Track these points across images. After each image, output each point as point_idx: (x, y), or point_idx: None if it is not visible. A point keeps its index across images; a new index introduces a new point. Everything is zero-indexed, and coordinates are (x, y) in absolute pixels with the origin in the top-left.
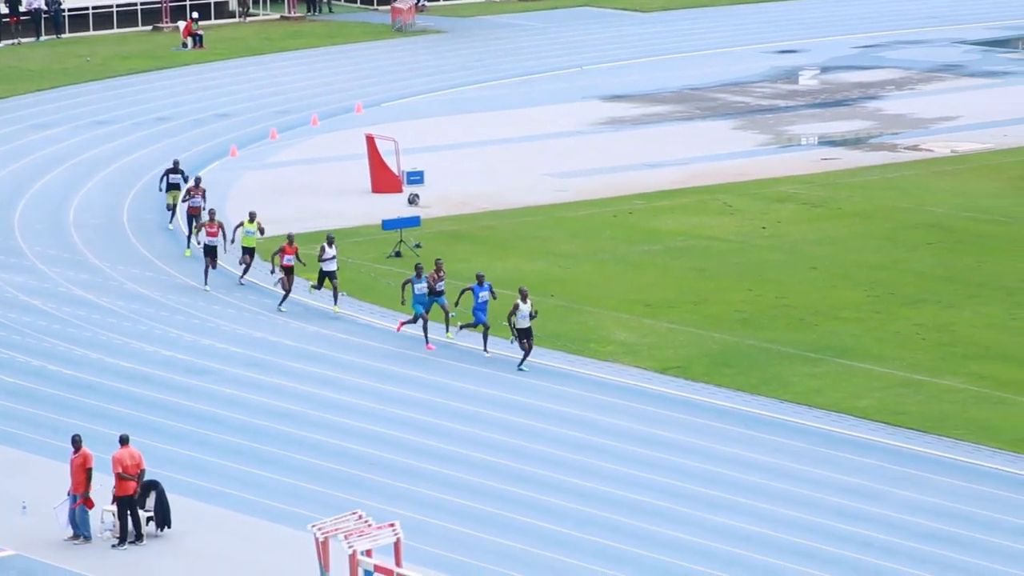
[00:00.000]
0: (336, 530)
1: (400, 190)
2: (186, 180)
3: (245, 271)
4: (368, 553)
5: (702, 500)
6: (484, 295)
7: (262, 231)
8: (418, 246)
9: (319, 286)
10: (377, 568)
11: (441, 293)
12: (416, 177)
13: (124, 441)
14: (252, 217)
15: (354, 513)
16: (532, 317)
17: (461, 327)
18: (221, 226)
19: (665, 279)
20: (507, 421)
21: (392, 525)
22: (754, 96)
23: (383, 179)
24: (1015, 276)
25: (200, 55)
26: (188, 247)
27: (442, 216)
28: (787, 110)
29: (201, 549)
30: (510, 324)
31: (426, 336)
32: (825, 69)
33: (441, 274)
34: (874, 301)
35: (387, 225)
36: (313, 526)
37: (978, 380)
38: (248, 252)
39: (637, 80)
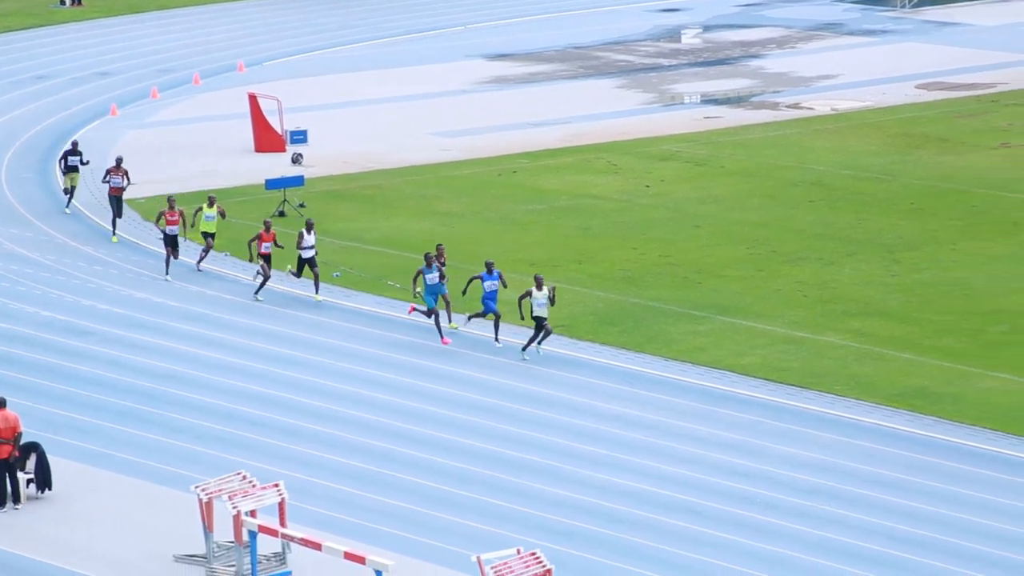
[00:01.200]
0: (220, 491)
1: (283, 149)
2: (84, 163)
3: (203, 256)
4: (252, 514)
5: (587, 458)
6: (493, 283)
7: (223, 215)
8: (302, 206)
9: (299, 273)
10: (261, 528)
11: (442, 280)
12: (299, 136)
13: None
14: (212, 201)
15: (238, 474)
16: (552, 303)
17: (469, 317)
18: (182, 214)
19: (550, 238)
20: (390, 380)
21: (276, 485)
22: (637, 55)
23: (266, 138)
24: (894, 233)
25: (79, 13)
26: (114, 233)
27: (326, 175)
28: (670, 69)
29: (83, 511)
30: (520, 308)
31: (439, 330)
32: (707, 28)
33: (442, 260)
34: (756, 259)
35: (270, 185)
36: (197, 487)
37: (858, 336)
38: (208, 237)
39: (520, 39)
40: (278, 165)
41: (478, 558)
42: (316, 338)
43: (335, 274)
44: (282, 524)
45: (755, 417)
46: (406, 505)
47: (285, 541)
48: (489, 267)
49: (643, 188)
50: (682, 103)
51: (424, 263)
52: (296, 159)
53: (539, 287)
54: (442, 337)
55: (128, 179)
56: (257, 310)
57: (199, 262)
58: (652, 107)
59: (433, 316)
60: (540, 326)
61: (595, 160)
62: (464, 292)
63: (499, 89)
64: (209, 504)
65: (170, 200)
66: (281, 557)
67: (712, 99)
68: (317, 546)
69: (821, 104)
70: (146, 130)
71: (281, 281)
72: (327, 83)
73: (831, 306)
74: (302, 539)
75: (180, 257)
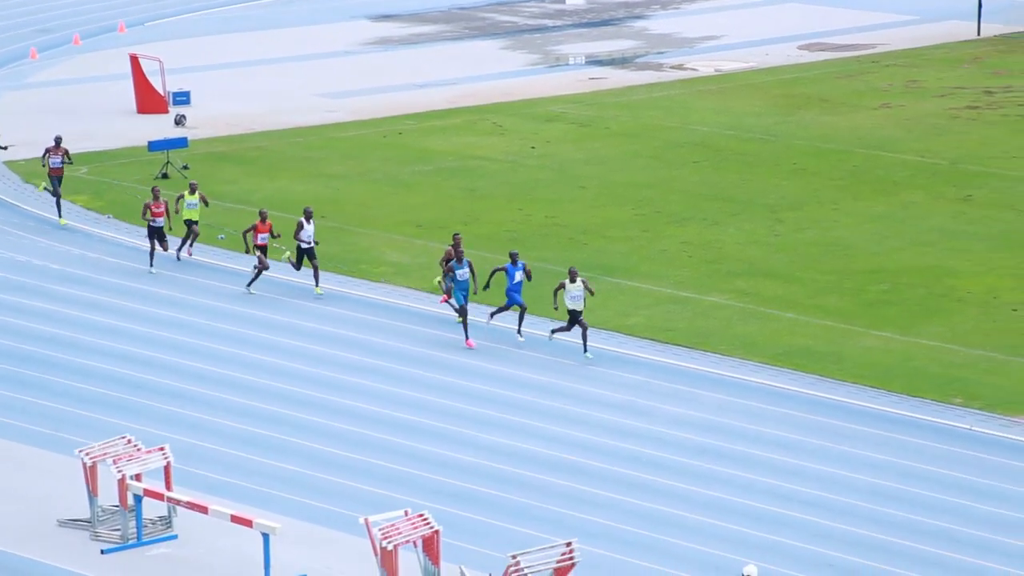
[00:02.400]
0: (104, 455)
1: (166, 111)
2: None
3: (186, 244)
4: (137, 477)
5: (474, 419)
6: (518, 275)
7: (206, 202)
8: (185, 167)
9: (298, 265)
10: (147, 492)
11: (474, 276)
12: (182, 98)
13: None
14: (193, 188)
15: (123, 437)
16: (591, 294)
17: (492, 314)
18: (167, 205)
19: (436, 199)
20: (276, 343)
21: (162, 449)
22: (522, 16)
23: (148, 100)
24: (777, 194)
25: None
26: (60, 215)
27: (210, 137)
28: (555, 30)
29: None
30: (555, 299)
31: (466, 331)
32: None
33: (460, 250)
34: (641, 220)
35: (153, 146)
36: (81, 451)
37: (742, 296)
38: (191, 224)
39: (405, 0)
40: (161, 127)
41: (366, 520)
42: (202, 301)
43: (220, 236)
44: (168, 488)
45: (642, 377)
46: (294, 468)
47: (171, 505)
48: (513, 258)
49: (529, 149)
50: (567, 64)
51: (455, 258)
52: (179, 121)
53: (572, 279)
54: (467, 339)
55: (68, 158)
56: (133, 273)
57: (180, 249)
58: (537, 68)
59: (464, 315)
60: (575, 320)
61: (481, 121)
62: (487, 286)
63: (384, 50)
64: (93, 468)
65: (155, 191)
66: (167, 521)
67: (597, 60)
68: (203, 509)
69: (705, 65)
70: (25, 91)
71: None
72: (210, 44)
73: (716, 266)
74: (188, 503)
75: (169, 249)
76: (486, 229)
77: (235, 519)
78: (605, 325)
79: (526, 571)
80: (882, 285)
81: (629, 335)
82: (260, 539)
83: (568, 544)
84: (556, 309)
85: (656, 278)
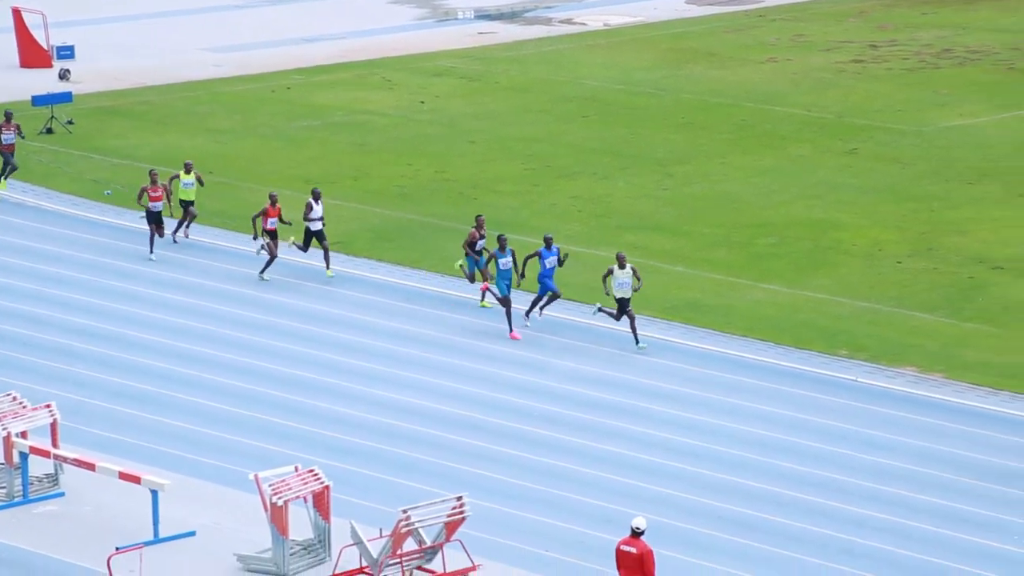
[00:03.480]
0: None
1: (50, 65)
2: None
3: (181, 226)
4: (23, 435)
5: (366, 374)
6: (551, 260)
7: (201, 182)
8: (70, 123)
9: (305, 247)
10: (33, 450)
11: (480, 253)
12: (67, 52)
13: None
14: (188, 168)
15: (8, 394)
16: (639, 283)
17: (541, 310)
18: (165, 188)
19: (325, 154)
20: (165, 299)
21: (48, 406)
22: None
23: (31, 54)
24: (666, 147)
25: None
26: (3, 178)
27: (96, 91)
28: None
29: None
30: (605, 285)
31: (510, 323)
32: None
33: (483, 231)
34: (531, 174)
35: (37, 101)
36: None
37: (632, 250)
38: (188, 205)
39: None
40: (45, 81)
41: (255, 476)
42: (86, 256)
43: (107, 192)
44: (54, 445)
45: (533, 332)
46: (182, 424)
47: (57, 462)
48: (548, 242)
49: (418, 104)
50: (456, 19)
51: (497, 246)
52: (63, 75)
53: (621, 265)
54: (511, 330)
55: (20, 133)
56: (23, 230)
57: (176, 232)
58: (425, 23)
59: (507, 306)
60: (623, 309)
61: (369, 76)
62: (522, 275)
63: (271, 4)
64: None
65: (152, 174)
66: (53, 478)
67: (485, 15)
68: (91, 467)
69: (594, 20)
70: None
71: (66, 204)
72: None
73: (605, 220)
74: (75, 460)
75: (165, 235)
76: (375, 184)
77: (123, 476)
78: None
79: (417, 525)
80: (769, 238)
81: (519, 291)
82: (148, 496)
83: (459, 498)
84: (608, 295)
85: (546, 232)
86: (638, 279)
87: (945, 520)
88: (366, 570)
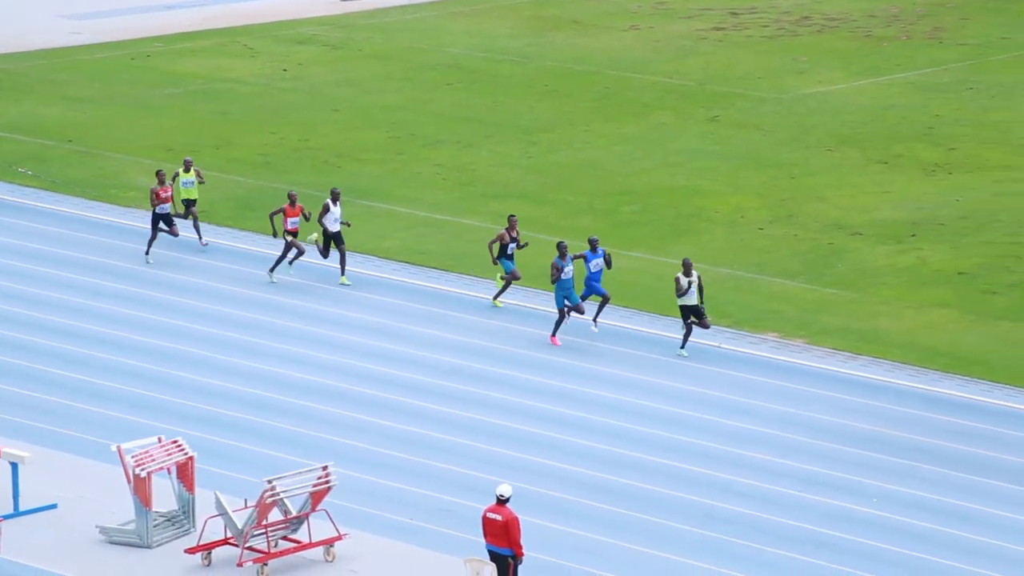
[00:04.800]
0: None
1: None
2: None
3: (195, 226)
4: None
5: (228, 344)
6: (598, 262)
7: (201, 179)
8: None
9: (326, 252)
10: None
11: (511, 256)
12: None
13: None
14: (188, 165)
15: None
16: (701, 292)
17: (595, 320)
18: (173, 191)
19: (186, 123)
20: (27, 270)
21: None
22: None
23: None
24: (530, 115)
25: None
26: None
27: None
28: None
29: None
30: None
31: (555, 329)
32: None
33: (515, 232)
34: (395, 142)
35: None
36: None
37: (497, 218)
38: (190, 204)
39: None
40: None
41: (118, 447)
42: None
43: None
44: None
45: (397, 300)
46: (43, 396)
47: None
48: (593, 244)
49: (280, 72)
50: None
51: (557, 254)
52: None
53: (687, 272)
54: (553, 336)
55: None
56: None
57: (200, 238)
58: None
59: (561, 316)
60: (698, 316)
61: (231, 44)
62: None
63: None
64: None
65: (160, 175)
66: None
67: None
68: None
69: None
70: None
71: None
72: None
73: (470, 188)
74: None
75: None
76: (238, 152)
77: None
78: (360, 248)
79: (282, 495)
80: (633, 206)
81: (384, 258)
82: (8, 468)
83: (324, 468)
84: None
85: (410, 201)
86: (701, 292)
87: (806, 484)
88: (231, 541)
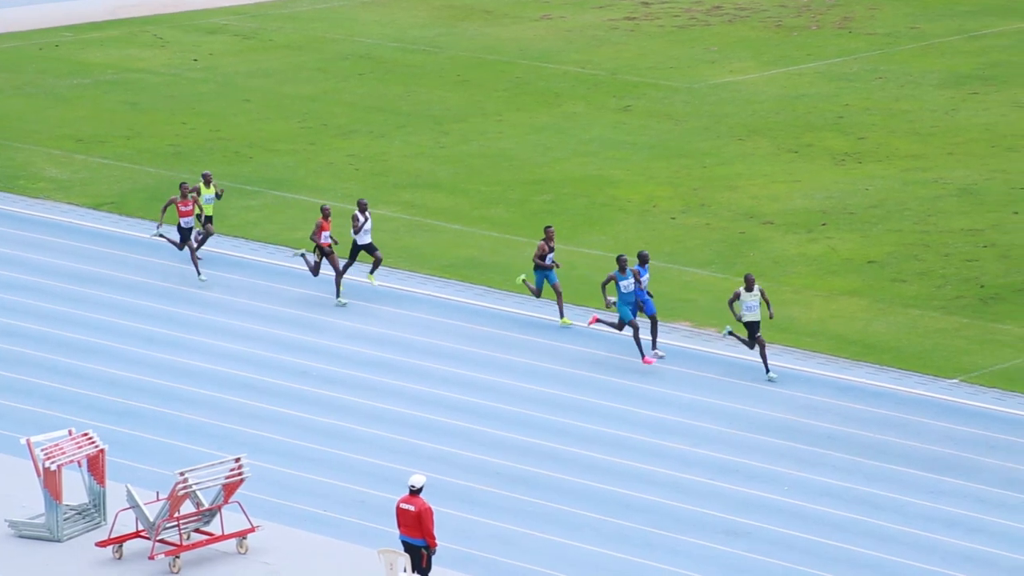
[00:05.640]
0: None
1: None
2: None
3: (202, 241)
4: None
5: (141, 336)
6: (644, 279)
7: (219, 195)
8: None
9: (351, 262)
10: None
11: (551, 267)
12: None
13: None
14: (208, 180)
15: None
16: (770, 311)
17: (730, 333)
18: (195, 201)
19: (96, 113)
20: None
21: None
22: None
23: None
24: (442, 105)
25: None
26: None
27: None
28: None
29: None
30: (732, 310)
31: (640, 347)
32: None
33: (552, 244)
34: (308, 132)
35: None
36: None
37: (409, 208)
38: (207, 221)
39: None
40: None
41: (28, 440)
42: None
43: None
44: None
45: (310, 292)
46: None
47: None
48: (643, 259)
49: (191, 62)
50: None
51: (617, 267)
52: None
53: (749, 287)
54: (643, 355)
55: None
56: None
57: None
58: None
59: (634, 330)
60: (753, 335)
61: (141, 33)
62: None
63: None
64: None
65: (183, 188)
66: None
67: None
68: None
69: None
70: None
71: None
72: None
73: (382, 178)
74: None
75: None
76: (149, 143)
77: None
78: (273, 240)
79: (194, 488)
80: (545, 196)
81: (297, 248)
82: None
83: (237, 460)
84: (739, 320)
85: (323, 191)
86: (768, 305)
87: (719, 472)
88: (142, 534)
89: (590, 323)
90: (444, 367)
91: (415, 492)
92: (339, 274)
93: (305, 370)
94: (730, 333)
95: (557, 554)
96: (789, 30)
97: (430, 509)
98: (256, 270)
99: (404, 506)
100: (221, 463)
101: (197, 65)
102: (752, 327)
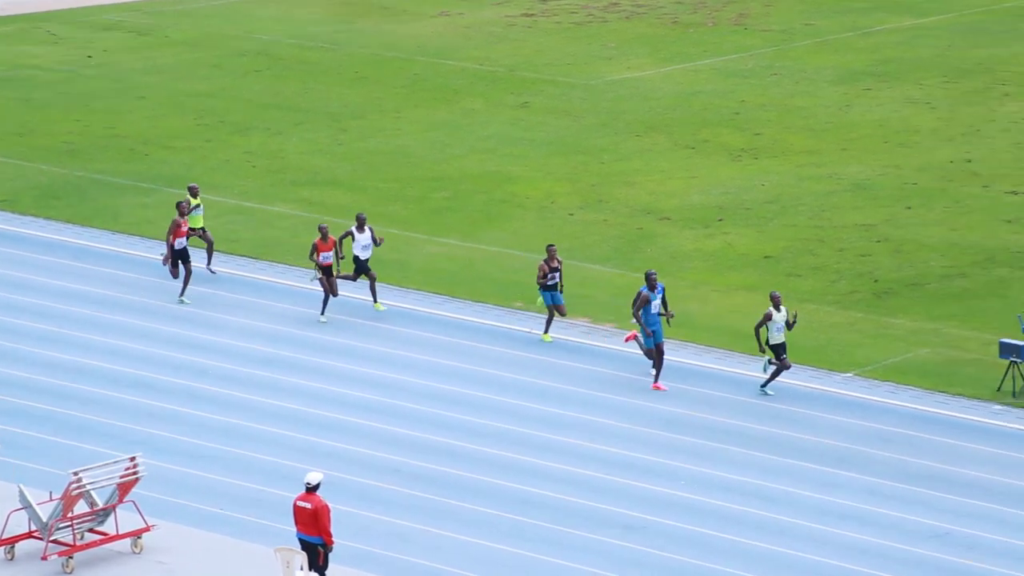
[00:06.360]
0: None
1: None
2: None
3: (211, 258)
4: None
5: (29, 335)
6: (655, 303)
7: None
8: None
9: (355, 277)
10: None
11: (554, 287)
12: None
13: None
14: (195, 192)
15: None
16: (790, 327)
17: (770, 362)
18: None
19: None
20: None
21: None
22: None
23: None
24: (339, 102)
25: None
26: None
27: None
28: None
29: None
30: (758, 337)
31: (657, 373)
32: None
33: (555, 263)
34: (204, 129)
35: None
36: None
37: (307, 206)
38: (203, 234)
39: None
40: None
41: None
42: None
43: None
44: None
45: (206, 288)
46: None
47: None
48: (650, 280)
49: (85, 59)
50: None
51: (646, 284)
52: None
53: (777, 307)
54: (656, 381)
55: None
56: None
57: (209, 264)
58: None
59: (658, 354)
60: (780, 357)
61: (33, 30)
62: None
63: None
64: None
65: (181, 207)
66: None
67: None
68: None
69: None
70: None
71: None
72: None
73: (280, 176)
74: None
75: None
76: (42, 140)
77: None
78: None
79: (88, 487)
80: (444, 192)
81: (195, 247)
82: None
83: (132, 459)
84: (763, 351)
85: (220, 188)
86: (792, 320)
87: (615, 467)
88: (35, 534)
89: (627, 339)
90: (339, 364)
91: (312, 489)
92: (333, 295)
93: (202, 369)
94: (770, 362)
95: (455, 550)
96: (686, 27)
97: (327, 506)
98: (151, 268)
99: (301, 504)
100: (116, 462)
101: (91, 62)
102: (778, 348)
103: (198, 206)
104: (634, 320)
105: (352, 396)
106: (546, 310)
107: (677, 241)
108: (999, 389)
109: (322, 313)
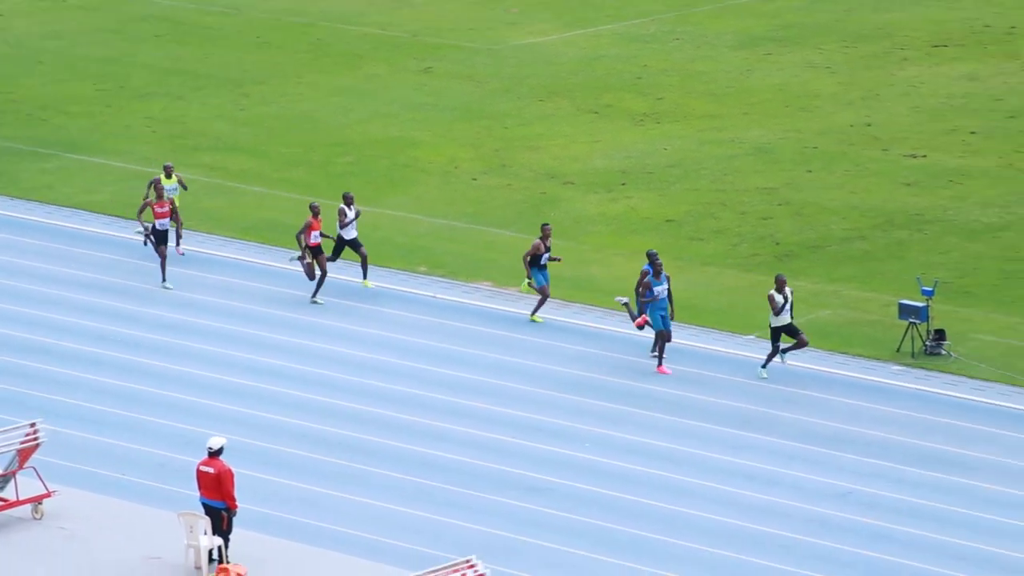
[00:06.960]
0: None
1: None
2: None
3: (177, 239)
4: None
5: None
6: (660, 290)
7: (184, 186)
8: None
9: (335, 257)
10: None
11: (544, 267)
12: None
13: None
14: (169, 171)
15: None
16: (792, 308)
17: (785, 353)
18: (173, 204)
19: None
20: None
21: None
22: None
23: None
24: (241, 67)
25: None
26: None
27: None
28: None
29: None
30: (771, 331)
31: (660, 356)
32: None
33: (549, 242)
34: (104, 95)
35: None
36: None
37: (209, 171)
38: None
39: None
40: None
41: None
42: None
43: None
44: None
45: (105, 254)
46: None
47: None
48: (652, 259)
49: None
50: None
51: (649, 264)
52: None
53: (780, 288)
54: (660, 364)
55: None
56: None
57: (178, 245)
58: None
59: (662, 340)
60: (780, 336)
61: None
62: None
63: None
64: None
65: (157, 186)
66: None
67: None
68: None
69: None
70: None
71: None
72: None
73: (181, 141)
74: None
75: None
76: None
77: None
78: (68, 202)
79: None
80: (347, 157)
81: (96, 212)
82: None
83: (32, 424)
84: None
85: (121, 154)
86: (792, 308)
87: (521, 430)
88: None
89: (637, 324)
90: (242, 329)
91: (214, 454)
92: (324, 276)
93: (103, 334)
94: (783, 352)
95: (359, 514)
96: None
97: (230, 471)
98: (55, 234)
99: (204, 468)
100: (15, 428)
101: None
102: (777, 332)
103: (173, 187)
104: (623, 300)
105: (254, 361)
106: (537, 292)
107: (580, 205)
108: (898, 350)
109: (314, 295)
